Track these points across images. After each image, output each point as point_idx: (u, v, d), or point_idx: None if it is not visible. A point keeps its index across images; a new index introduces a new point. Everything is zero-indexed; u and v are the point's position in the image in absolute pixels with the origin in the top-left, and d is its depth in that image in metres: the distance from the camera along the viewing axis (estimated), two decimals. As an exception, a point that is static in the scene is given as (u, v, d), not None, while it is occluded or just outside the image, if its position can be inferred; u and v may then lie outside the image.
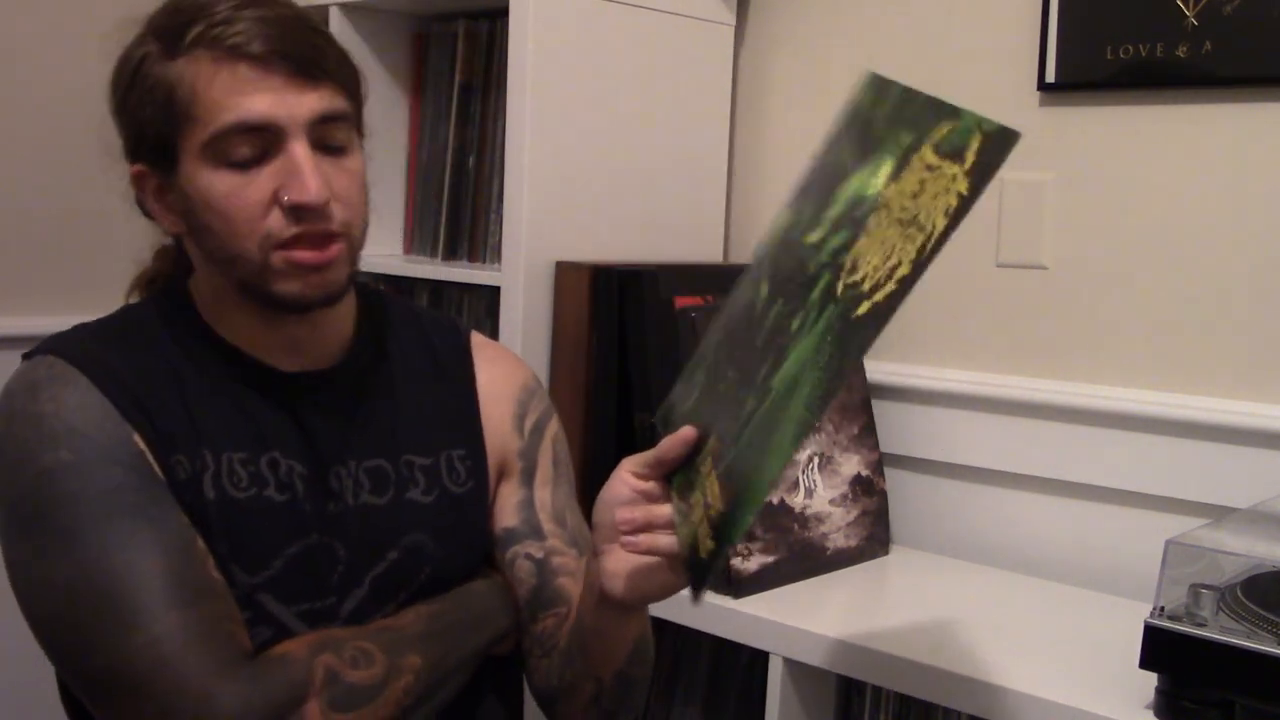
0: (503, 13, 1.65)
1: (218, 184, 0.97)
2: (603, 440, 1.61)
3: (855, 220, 0.87)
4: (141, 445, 0.97)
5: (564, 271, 1.65)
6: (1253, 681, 1.06)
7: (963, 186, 0.81)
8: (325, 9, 1.84)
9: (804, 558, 1.54)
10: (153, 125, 1.00)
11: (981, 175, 0.80)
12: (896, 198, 0.85)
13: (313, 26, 1.01)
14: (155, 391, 1.00)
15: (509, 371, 1.20)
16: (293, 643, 0.99)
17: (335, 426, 1.07)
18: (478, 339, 1.21)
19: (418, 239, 1.91)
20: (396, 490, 1.09)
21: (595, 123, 1.70)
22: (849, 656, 1.32)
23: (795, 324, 0.88)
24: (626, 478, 0.98)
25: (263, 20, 0.98)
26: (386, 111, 1.90)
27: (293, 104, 0.97)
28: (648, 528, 0.95)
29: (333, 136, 1.00)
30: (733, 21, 1.87)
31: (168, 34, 0.99)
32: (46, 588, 0.95)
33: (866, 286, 0.83)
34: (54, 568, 0.94)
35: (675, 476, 0.97)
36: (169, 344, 1.04)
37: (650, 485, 0.98)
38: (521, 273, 1.63)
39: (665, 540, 0.95)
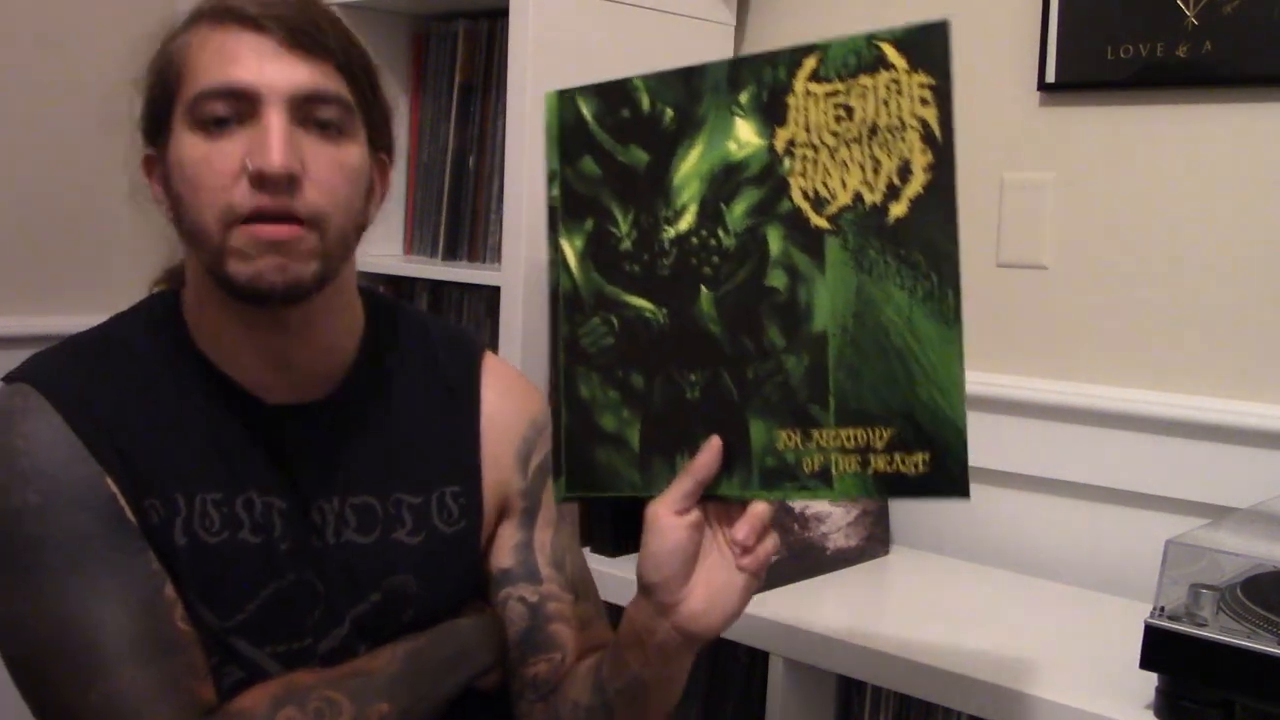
0: (503, 13, 1.64)
1: (192, 150, 0.93)
2: (603, 440, 1.61)
3: (753, 179, 0.95)
4: (113, 489, 0.94)
5: (564, 271, 1.65)
6: (1253, 681, 1.06)
7: (925, 80, 0.88)
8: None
9: (804, 558, 1.54)
10: (153, 100, 0.97)
11: (932, 65, 0.88)
12: (812, 135, 0.92)
13: (322, 9, 0.97)
14: (131, 427, 0.96)
15: (518, 403, 1.15)
16: (255, 694, 0.97)
17: (321, 461, 1.03)
18: (490, 363, 1.15)
19: (418, 239, 1.91)
20: (383, 530, 1.05)
21: (595, 123, 1.70)
22: (849, 656, 1.32)
23: (778, 282, 0.94)
24: (671, 521, 0.94)
25: None
26: (386, 111, 1.90)
27: (277, 72, 0.92)
28: (762, 536, 0.94)
29: (321, 119, 0.95)
30: (733, 21, 1.87)
31: (188, 17, 0.98)
32: (10, 627, 0.94)
33: (874, 198, 0.90)
34: (17, 610, 0.93)
35: (723, 486, 0.96)
36: (153, 364, 1.00)
37: (697, 515, 0.95)
38: (521, 273, 1.63)
39: (768, 546, 0.95)
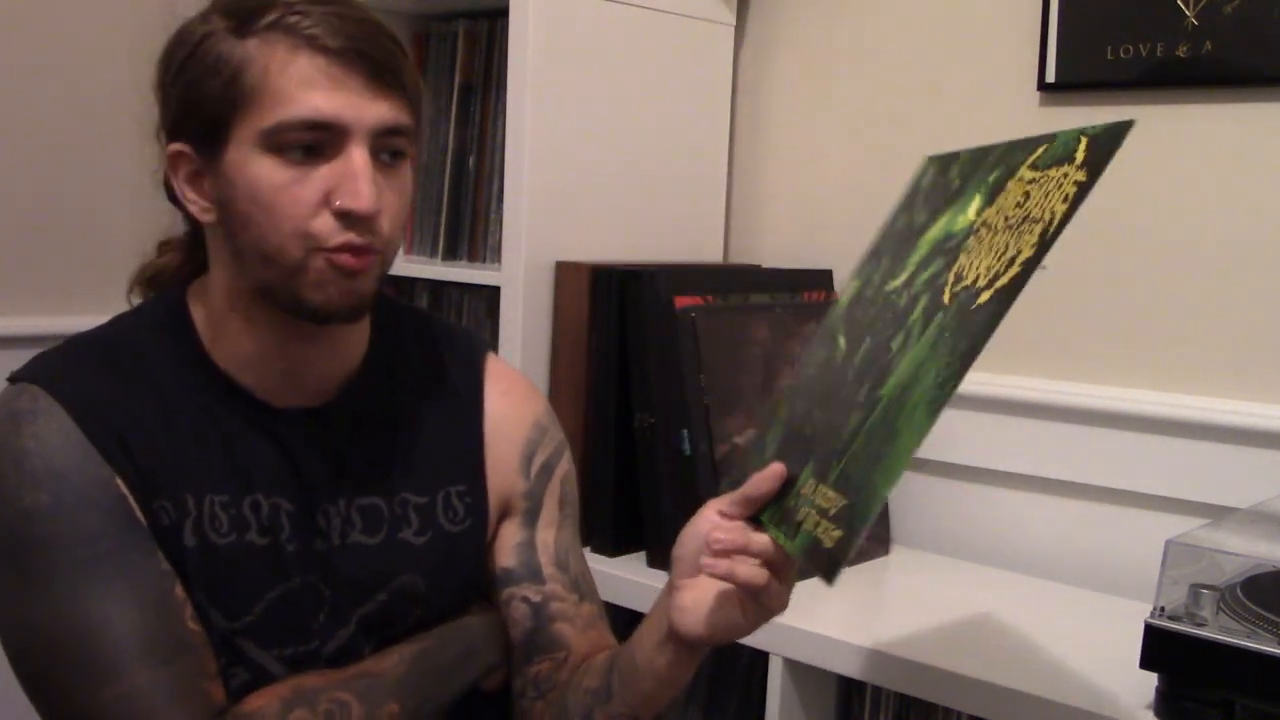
0: (503, 13, 1.65)
1: (270, 175, 0.93)
2: (602, 440, 1.61)
3: (948, 250, 0.95)
4: (123, 489, 0.94)
5: (564, 271, 1.65)
6: (1253, 681, 1.05)
7: (1079, 176, 0.87)
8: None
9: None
10: (209, 103, 0.94)
11: (1096, 163, 0.87)
12: (996, 216, 0.92)
13: (388, 33, 0.97)
14: (140, 427, 0.97)
15: (521, 406, 1.16)
16: (265, 695, 0.97)
17: (328, 463, 1.03)
18: (493, 366, 1.16)
19: (418, 239, 1.91)
20: (389, 530, 1.06)
21: (595, 123, 1.70)
22: (849, 656, 1.32)
23: (896, 344, 0.93)
24: (712, 515, 0.98)
25: (340, 17, 0.94)
26: (386, 111, 1.90)
27: (364, 108, 0.94)
28: (739, 552, 0.94)
29: (391, 149, 0.98)
30: (733, 21, 1.87)
31: (239, 14, 0.94)
32: (21, 628, 0.94)
33: (981, 283, 0.88)
34: (29, 610, 0.93)
35: (766, 512, 0.97)
36: (159, 367, 1.00)
37: (736, 524, 0.97)
38: (521, 273, 1.63)
39: (744, 570, 0.92)
